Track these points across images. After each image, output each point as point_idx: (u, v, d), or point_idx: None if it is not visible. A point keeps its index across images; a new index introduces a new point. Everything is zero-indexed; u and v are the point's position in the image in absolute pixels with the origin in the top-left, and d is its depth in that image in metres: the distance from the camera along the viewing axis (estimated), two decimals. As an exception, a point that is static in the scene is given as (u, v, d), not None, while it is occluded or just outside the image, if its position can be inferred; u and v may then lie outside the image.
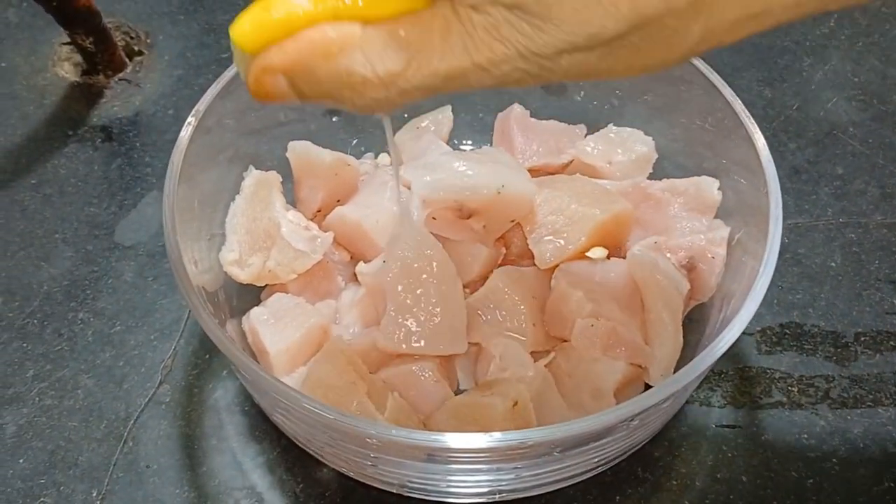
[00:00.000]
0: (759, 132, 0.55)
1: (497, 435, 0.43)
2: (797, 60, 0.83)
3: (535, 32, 0.32)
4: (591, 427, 0.44)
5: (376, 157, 0.70)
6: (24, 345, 0.64)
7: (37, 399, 0.61)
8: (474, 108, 0.72)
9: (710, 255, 0.57)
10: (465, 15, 0.33)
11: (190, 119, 0.55)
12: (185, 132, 0.55)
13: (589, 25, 0.32)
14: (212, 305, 0.54)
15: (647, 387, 0.57)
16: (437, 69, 0.34)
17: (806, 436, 0.59)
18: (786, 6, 0.33)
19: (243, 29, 0.35)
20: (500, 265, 0.60)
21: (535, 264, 0.59)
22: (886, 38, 0.85)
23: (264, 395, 0.51)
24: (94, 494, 0.57)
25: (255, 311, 0.57)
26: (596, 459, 0.52)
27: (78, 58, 0.82)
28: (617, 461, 0.55)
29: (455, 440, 0.44)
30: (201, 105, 0.56)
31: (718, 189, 0.59)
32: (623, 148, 0.64)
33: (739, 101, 0.56)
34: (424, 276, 0.54)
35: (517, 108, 0.66)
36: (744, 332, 0.48)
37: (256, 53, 0.35)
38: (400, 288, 0.54)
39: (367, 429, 0.44)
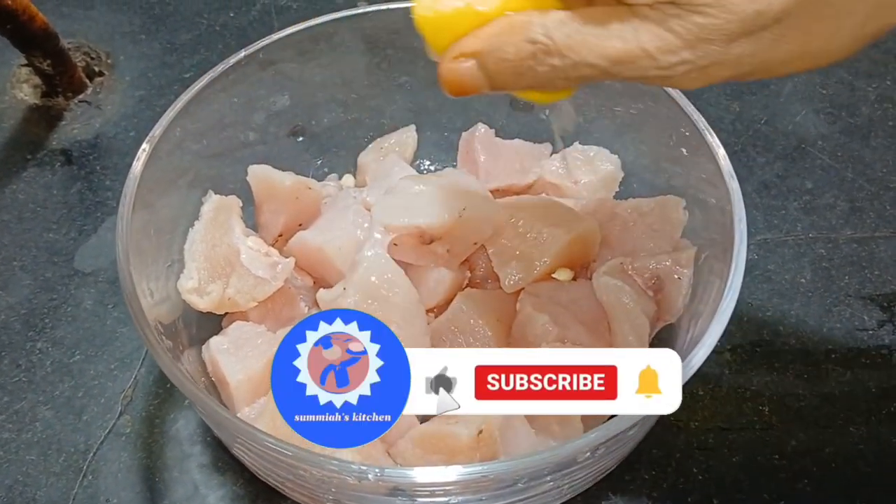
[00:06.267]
0: (721, 147, 0.54)
1: (458, 468, 0.42)
2: (765, 73, 0.82)
3: (702, 18, 0.35)
4: (556, 458, 0.43)
5: (340, 178, 0.69)
6: (-19, 377, 0.63)
7: (-7, 433, 0.60)
8: (439, 127, 0.71)
9: (676, 276, 0.56)
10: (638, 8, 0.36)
11: (144, 146, 0.54)
12: (139, 162, 0.53)
13: (755, 2, 0.34)
14: (169, 337, 0.52)
15: (616, 410, 0.56)
16: (608, 50, 0.37)
17: (777, 456, 0.58)
18: None
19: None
20: (467, 288, 0.59)
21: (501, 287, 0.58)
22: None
23: (222, 430, 0.50)
24: (52, 531, 0.56)
25: (214, 340, 0.56)
26: (565, 487, 0.51)
27: (37, 80, 0.80)
28: (586, 487, 0.54)
29: (417, 474, 0.43)
30: (156, 131, 0.55)
31: (684, 208, 0.59)
32: (589, 167, 0.64)
33: (701, 117, 0.56)
34: (386, 302, 0.53)
35: (481, 128, 0.66)
36: (714, 351, 0.47)
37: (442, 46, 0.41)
38: (361, 315, 0.53)
39: (326, 465, 0.43)
